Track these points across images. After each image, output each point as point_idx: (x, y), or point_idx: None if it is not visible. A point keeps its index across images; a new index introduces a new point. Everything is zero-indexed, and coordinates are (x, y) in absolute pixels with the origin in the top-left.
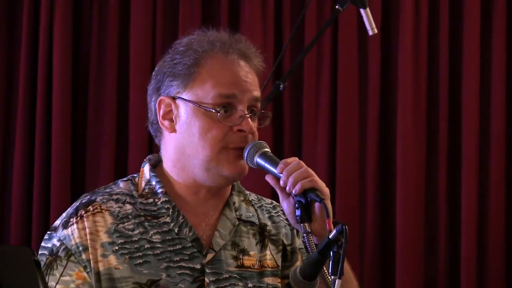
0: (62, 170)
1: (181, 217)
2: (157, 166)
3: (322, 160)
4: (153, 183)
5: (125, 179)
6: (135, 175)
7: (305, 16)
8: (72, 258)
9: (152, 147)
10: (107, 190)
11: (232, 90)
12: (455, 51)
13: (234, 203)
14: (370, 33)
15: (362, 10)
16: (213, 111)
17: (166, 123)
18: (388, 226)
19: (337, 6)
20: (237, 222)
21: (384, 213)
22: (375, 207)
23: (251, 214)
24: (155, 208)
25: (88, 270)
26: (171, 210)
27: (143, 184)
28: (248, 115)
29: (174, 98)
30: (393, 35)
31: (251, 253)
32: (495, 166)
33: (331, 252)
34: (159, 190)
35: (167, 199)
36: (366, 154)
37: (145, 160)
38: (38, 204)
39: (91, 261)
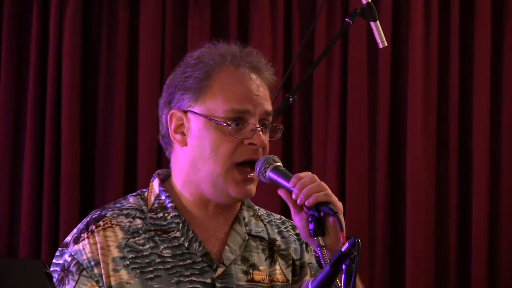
0: (71, 180)
1: (191, 232)
2: (166, 180)
3: (331, 173)
4: (163, 197)
5: (134, 194)
6: (144, 189)
7: (315, 29)
8: (84, 272)
9: (161, 157)
10: (117, 205)
11: (244, 105)
12: (466, 63)
13: (244, 218)
14: (380, 46)
15: (372, 23)
16: (225, 124)
17: (178, 136)
18: (398, 239)
19: (347, 19)
20: (247, 237)
21: (394, 226)
22: (385, 219)
23: (261, 229)
24: (164, 223)
25: (100, 285)
26: (181, 225)
27: (152, 199)
28: (259, 129)
29: (185, 112)
30: (403, 48)
31: (261, 268)
32: (506, 182)
33: (344, 266)
34: (169, 205)
35: (176, 213)
36: (375, 167)
37: (154, 174)
38: (48, 215)
39: (103, 276)
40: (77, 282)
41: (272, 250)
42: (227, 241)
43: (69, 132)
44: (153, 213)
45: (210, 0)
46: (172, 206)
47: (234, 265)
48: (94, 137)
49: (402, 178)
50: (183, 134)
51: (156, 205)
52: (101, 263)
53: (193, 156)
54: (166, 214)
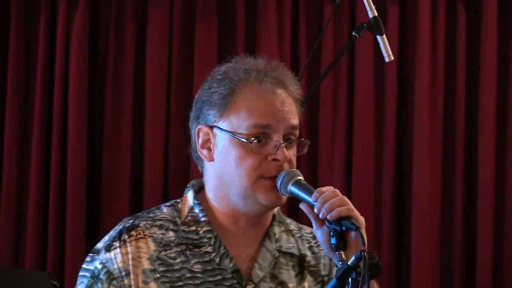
0: (78, 187)
1: (222, 247)
2: (199, 192)
3: (338, 185)
4: (196, 211)
5: (168, 204)
6: (178, 200)
7: (322, 43)
8: (114, 282)
9: (168, 164)
10: (151, 215)
11: (267, 120)
12: (472, 77)
13: (274, 234)
14: (387, 59)
15: (378, 37)
16: (247, 142)
17: (205, 152)
18: (403, 247)
19: (353, 33)
20: (277, 254)
21: (400, 235)
22: (391, 230)
23: (291, 245)
24: (196, 237)
25: None
26: (213, 240)
27: (186, 211)
28: (283, 144)
29: (211, 127)
30: (409, 62)
31: (290, 285)
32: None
33: (349, 279)
34: (202, 219)
35: (209, 228)
36: (382, 179)
37: (188, 186)
38: (54, 222)
39: (132, 287)
40: None
41: (302, 267)
42: (257, 258)
43: (75, 141)
44: (186, 226)
45: (217, 13)
46: (205, 220)
47: (263, 282)
48: (101, 146)
49: (408, 189)
50: (209, 149)
51: (189, 218)
52: (131, 274)
53: (221, 171)
54: (198, 228)
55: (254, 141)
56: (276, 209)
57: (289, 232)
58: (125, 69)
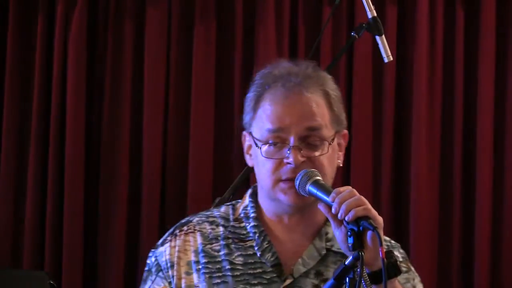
0: (75, 191)
1: (266, 242)
2: (257, 192)
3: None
4: (249, 208)
5: (228, 203)
6: (239, 200)
7: (321, 43)
8: (161, 273)
9: (165, 168)
10: (207, 213)
11: (277, 125)
12: (471, 78)
13: (326, 233)
14: (386, 60)
15: (377, 37)
16: (260, 148)
17: (247, 157)
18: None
19: (352, 33)
20: (324, 252)
21: (397, 242)
22: (389, 233)
23: None
24: (244, 232)
25: (172, 286)
26: (257, 235)
27: (240, 209)
28: (295, 147)
29: (250, 133)
30: (408, 62)
31: None
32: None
33: (347, 278)
34: (252, 215)
35: (256, 223)
36: (380, 179)
37: (251, 186)
38: (51, 223)
39: (175, 278)
40: (153, 281)
41: None
42: (302, 254)
43: (73, 141)
44: (237, 222)
45: (216, 13)
46: (254, 216)
47: (305, 278)
48: (98, 147)
49: (406, 189)
50: (250, 155)
51: (242, 215)
52: (175, 265)
53: (256, 174)
54: (247, 224)
55: (264, 146)
56: None
57: None
58: (123, 69)
